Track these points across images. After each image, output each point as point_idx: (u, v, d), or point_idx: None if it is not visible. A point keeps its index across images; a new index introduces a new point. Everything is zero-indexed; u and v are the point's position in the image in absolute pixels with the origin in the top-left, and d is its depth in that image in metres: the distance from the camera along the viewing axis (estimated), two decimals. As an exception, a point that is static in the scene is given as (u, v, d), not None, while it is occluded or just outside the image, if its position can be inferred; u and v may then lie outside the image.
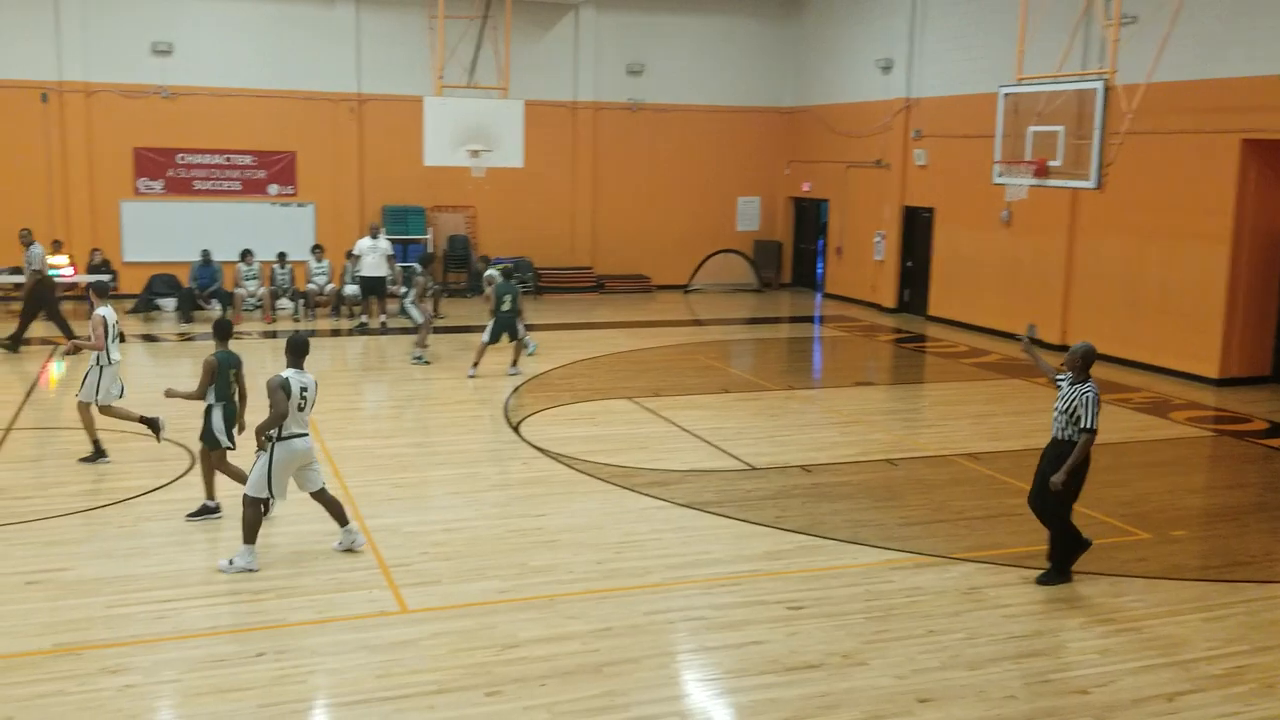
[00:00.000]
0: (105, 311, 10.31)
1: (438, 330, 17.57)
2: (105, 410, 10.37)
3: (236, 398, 8.98)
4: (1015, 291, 18.71)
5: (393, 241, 19.58)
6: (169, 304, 19.81)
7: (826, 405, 14.09)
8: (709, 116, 24.59)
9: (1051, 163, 13.32)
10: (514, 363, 15.42)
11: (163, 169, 21.28)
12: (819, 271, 25.19)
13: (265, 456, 8.00)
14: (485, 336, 15.12)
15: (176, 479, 10.03)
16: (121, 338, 10.44)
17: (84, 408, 10.31)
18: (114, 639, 6.88)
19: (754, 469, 10.93)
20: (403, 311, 17.10)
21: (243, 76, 21.39)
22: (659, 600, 7.69)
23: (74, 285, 19.34)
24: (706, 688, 6.55)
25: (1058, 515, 8.02)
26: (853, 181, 23.05)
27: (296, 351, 8.18)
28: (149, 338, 17.68)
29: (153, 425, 10.42)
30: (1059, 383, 8.06)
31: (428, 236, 22.53)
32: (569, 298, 23.15)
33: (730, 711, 6.26)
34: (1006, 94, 14.11)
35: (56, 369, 15.35)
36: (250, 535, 7.99)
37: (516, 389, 14.34)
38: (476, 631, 7.10)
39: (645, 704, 6.26)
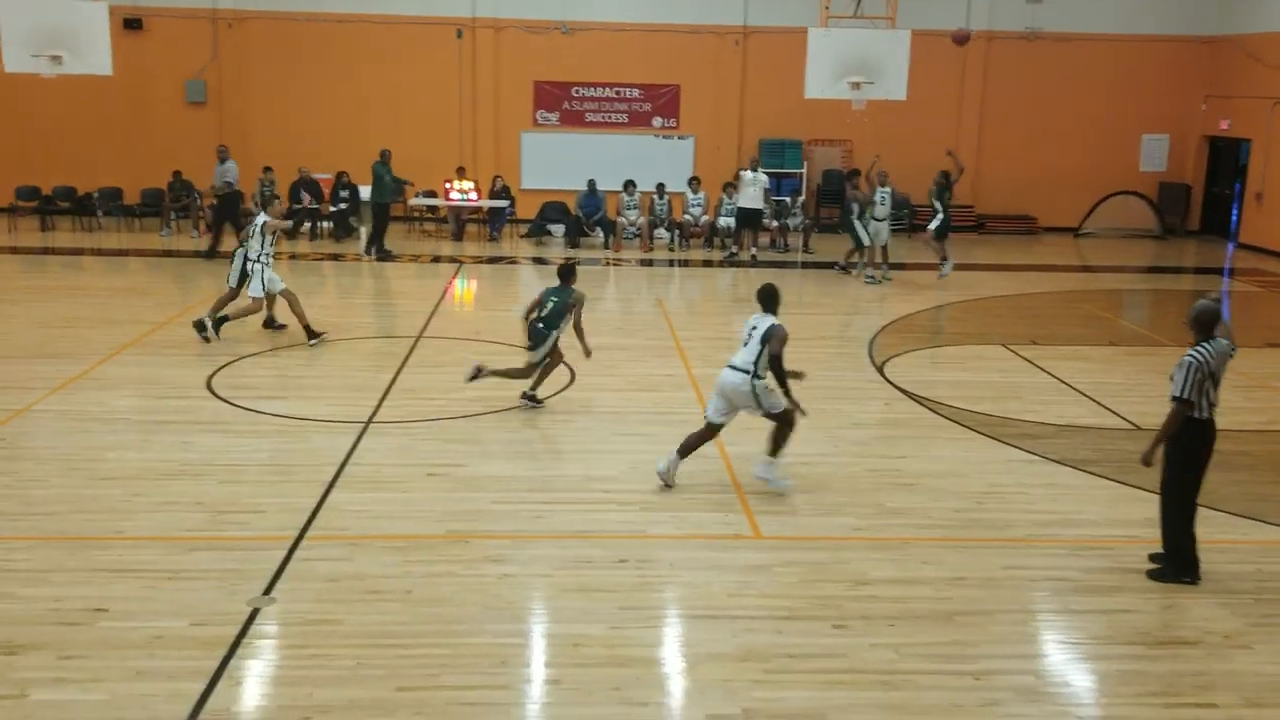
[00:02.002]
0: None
1: (805, 265, 17.55)
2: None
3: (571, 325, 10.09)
4: None
5: (768, 175, 19.70)
6: (558, 230, 21.19)
7: (1231, 366, 12.65)
8: (1115, 46, 22.56)
9: None
10: (943, 258, 16.82)
11: (559, 101, 22.67)
12: (1233, 219, 22.61)
13: None
14: (936, 230, 16.86)
15: (558, 392, 10.80)
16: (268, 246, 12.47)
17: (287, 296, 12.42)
18: (497, 531, 7.57)
19: (1140, 429, 10.08)
20: (852, 230, 17.43)
21: (634, 11, 22.24)
22: (1019, 556, 7.35)
23: (477, 209, 21.15)
24: (1065, 650, 6.20)
25: (1167, 510, 6.94)
26: (1283, 118, 20.40)
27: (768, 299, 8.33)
28: (539, 260, 19.03)
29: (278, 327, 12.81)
30: None
31: (802, 171, 22.49)
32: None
33: (1091, 679, 5.89)
34: None
35: (460, 285, 16.93)
36: (682, 449, 8.38)
37: (882, 328, 14.09)
38: (828, 565, 7.13)
39: (997, 658, 6.04)
